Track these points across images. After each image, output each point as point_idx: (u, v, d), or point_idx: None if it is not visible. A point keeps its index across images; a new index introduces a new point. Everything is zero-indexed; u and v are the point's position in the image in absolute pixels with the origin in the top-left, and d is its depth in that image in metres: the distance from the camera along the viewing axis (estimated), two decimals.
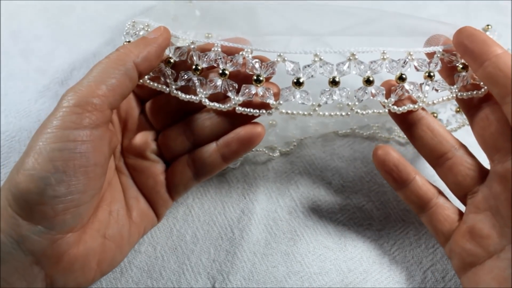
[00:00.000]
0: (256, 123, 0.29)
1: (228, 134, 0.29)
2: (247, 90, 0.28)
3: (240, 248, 0.31)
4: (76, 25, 0.46)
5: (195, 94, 0.29)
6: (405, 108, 0.28)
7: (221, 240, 0.32)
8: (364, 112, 0.28)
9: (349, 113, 0.28)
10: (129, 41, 0.30)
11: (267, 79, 0.28)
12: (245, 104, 0.28)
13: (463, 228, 0.27)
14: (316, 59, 0.27)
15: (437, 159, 0.28)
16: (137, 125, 0.31)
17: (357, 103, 0.28)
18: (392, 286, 0.30)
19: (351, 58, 0.27)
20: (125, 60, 0.26)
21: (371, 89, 0.27)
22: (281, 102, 0.28)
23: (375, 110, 0.28)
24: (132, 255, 0.31)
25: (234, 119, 0.29)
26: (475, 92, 0.28)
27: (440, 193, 0.29)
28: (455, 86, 0.28)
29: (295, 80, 0.27)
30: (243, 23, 0.33)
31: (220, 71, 0.28)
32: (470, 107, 0.28)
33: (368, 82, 0.27)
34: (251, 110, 0.28)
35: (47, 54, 0.43)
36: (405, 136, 0.30)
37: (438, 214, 0.28)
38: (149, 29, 0.31)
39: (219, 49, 0.28)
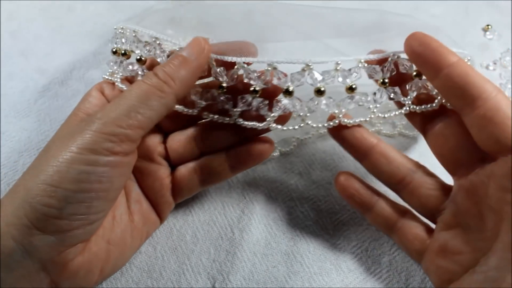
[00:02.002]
0: (266, 138, 0.30)
1: (239, 147, 0.29)
2: (244, 100, 0.28)
3: (240, 248, 0.31)
4: (76, 25, 0.46)
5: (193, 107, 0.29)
6: (356, 120, 0.28)
7: (221, 240, 0.32)
8: (351, 122, 0.28)
9: (336, 122, 0.28)
10: (115, 50, 0.30)
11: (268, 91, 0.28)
12: (240, 116, 0.28)
13: (435, 246, 0.26)
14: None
15: (397, 184, 0.28)
16: None
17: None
18: (392, 286, 0.30)
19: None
20: (166, 92, 0.25)
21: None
22: (275, 114, 0.28)
23: (361, 119, 0.28)
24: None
25: (244, 131, 0.29)
26: (429, 106, 0.27)
27: (407, 212, 0.29)
28: (408, 98, 0.27)
29: (284, 90, 0.27)
30: (242, 26, 0.32)
31: (219, 85, 0.28)
32: (422, 123, 0.28)
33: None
34: (255, 123, 0.28)
35: (47, 54, 0.43)
36: (410, 130, 0.29)
37: (406, 233, 0.28)
38: (136, 35, 0.30)
39: (214, 63, 0.28)
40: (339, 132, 0.29)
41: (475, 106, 0.24)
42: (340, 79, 0.27)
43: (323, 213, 0.33)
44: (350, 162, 0.36)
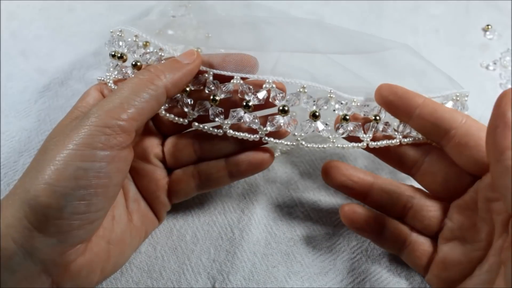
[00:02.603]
0: (266, 148, 0.30)
1: (239, 155, 0.30)
2: (235, 113, 0.28)
3: (240, 248, 0.31)
4: (76, 25, 0.46)
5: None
6: (349, 145, 0.29)
7: (221, 240, 0.32)
8: (344, 146, 0.29)
9: (330, 145, 0.29)
10: (114, 54, 0.30)
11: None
12: (235, 128, 0.29)
13: (437, 259, 0.27)
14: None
15: (400, 212, 0.29)
16: (144, 129, 0.31)
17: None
18: (392, 286, 0.30)
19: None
20: (157, 84, 0.26)
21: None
22: (268, 128, 0.28)
23: (354, 145, 0.29)
24: (132, 255, 0.31)
25: (244, 140, 0.29)
26: (416, 138, 0.28)
27: (412, 228, 0.29)
28: (400, 131, 0.29)
29: (280, 108, 0.28)
30: (243, 28, 0.32)
31: (211, 98, 0.29)
32: (408, 167, 0.29)
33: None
34: (246, 134, 0.29)
35: (47, 54, 0.43)
36: (408, 134, 0.30)
37: (415, 250, 0.28)
38: (137, 40, 0.31)
39: (211, 78, 0.29)
40: (335, 179, 0.29)
41: (449, 137, 0.26)
42: (336, 106, 0.29)
43: (323, 213, 0.33)
44: (350, 162, 0.36)
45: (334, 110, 0.29)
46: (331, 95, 0.28)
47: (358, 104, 0.29)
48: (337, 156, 0.36)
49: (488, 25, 0.46)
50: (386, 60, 0.32)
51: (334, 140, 0.29)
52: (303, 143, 0.29)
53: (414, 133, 0.29)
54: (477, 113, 0.39)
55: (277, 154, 0.36)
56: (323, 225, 0.32)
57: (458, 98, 0.30)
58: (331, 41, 0.32)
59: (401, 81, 0.28)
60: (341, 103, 0.29)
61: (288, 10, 0.47)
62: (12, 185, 0.34)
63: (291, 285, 0.30)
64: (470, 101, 0.40)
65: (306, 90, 0.28)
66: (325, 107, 0.28)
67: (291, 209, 0.33)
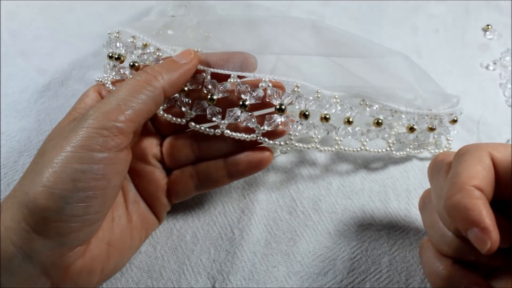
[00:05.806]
0: (265, 147, 0.30)
1: (238, 155, 0.30)
2: (232, 113, 0.29)
3: (240, 248, 0.31)
4: (76, 25, 0.46)
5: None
6: (349, 149, 0.31)
7: (221, 240, 0.32)
8: (346, 149, 0.30)
9: (321, 148, 0.31)
10: (111, 55, 0.30)
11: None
12: (233, 128, 0.29)
13: None
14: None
15: None
16: (142, 129, 0.31)
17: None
18: (392, 286, 0.30)
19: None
20: (154, 85, 0.26)
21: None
22: (265, 128, 0.29)
23: (354, 149, 0.30)
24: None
25: (242, 140, 0.29)
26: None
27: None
28: (393, 136, 0.31)
29: (277, 107, 0.29)
30: (243, 28, 0.33)
31: (209, 97, 0.29)
32: None
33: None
34: (243, 135, 0.29)
35: (47, 54, 0.43)
36: (400, 151, 0.30)
37: None
38: (134, 41, 0.31)
39: (208, 77, 0.29)
40: None
41: None
42: (314, 107, 0.30)
43: (323, 213, 0.33)
44: (350, 161, 0.36)
45: (315, 108, 0.30)
46: (319, 95, 0.30)
47: (339, 101, 0.30)
48: (337, 156, 0.36)
49: (488, 25, 0.46)
50: (382, 66, 0.32)
51: (316, 140, 0.31)
52: (293, 142, 0.29)
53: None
54: (477, 113, 0.39)
55: (277, 155, 0.36)
56: (323, 225, 0.32)
57: (452, 118, 0.31)
58: (329, 44, 0.32)
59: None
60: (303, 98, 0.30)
61: (288, 10, 0.47)
62: (12, 185, 0.34)
63: (291, 285, 0.30)
64: (470, 101, 0.40)
65: (299, 90, 0.29)
66: (311, 106, 0.30)
67: (291, 209, 0.33)
